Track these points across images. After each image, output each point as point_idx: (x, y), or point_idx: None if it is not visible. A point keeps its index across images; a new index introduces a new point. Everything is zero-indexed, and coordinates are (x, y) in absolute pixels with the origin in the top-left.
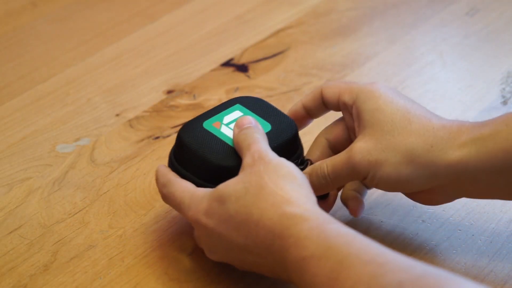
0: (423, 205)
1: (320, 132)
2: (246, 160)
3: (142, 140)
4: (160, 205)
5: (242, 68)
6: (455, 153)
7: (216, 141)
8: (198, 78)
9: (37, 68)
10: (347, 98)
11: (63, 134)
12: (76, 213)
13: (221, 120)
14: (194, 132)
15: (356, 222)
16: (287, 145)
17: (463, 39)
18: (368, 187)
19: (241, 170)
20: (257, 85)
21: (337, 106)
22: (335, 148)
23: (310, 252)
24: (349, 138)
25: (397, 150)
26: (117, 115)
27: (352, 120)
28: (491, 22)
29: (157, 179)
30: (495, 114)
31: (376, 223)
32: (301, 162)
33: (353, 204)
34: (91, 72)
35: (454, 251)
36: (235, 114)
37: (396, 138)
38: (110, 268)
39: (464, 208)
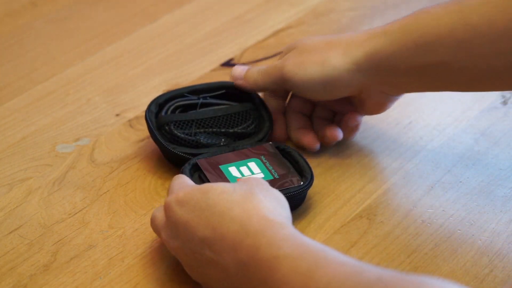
0: (423, 205)
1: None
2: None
3: (142, 140)
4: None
5: None
6: (370, 43)
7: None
8: (198, 78)
9: (37, 68)
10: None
11: (63, 134)
12: (76, 213)
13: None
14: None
15: (357, 222)
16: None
17: None
18: (296, 92)
19: None
20: None
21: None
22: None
23: (285, 252)
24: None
25: (316, 55)
26: (117, 115)
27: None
28: None
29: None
30: (495, 114)
31: (376, 223)
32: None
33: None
34: (91, 72)
35: (454, 251)
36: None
37: (316, 50)
38: (110, 268)
39: (464, 208)
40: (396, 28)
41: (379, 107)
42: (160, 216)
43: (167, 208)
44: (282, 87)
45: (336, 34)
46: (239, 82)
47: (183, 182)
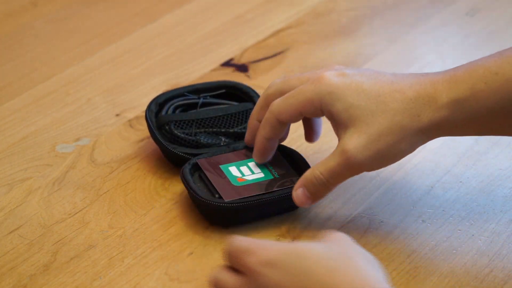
0: (423, 205)
1: (273, 114)
2: (328, 233)
3: (142, 140)
4: (160, 205)
5: (242, 68)
6: (441, 113)
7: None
8: (198, 78)
9: (37, 68)
10: (311, 110)
11: (63, 134)
12: (76, 213)
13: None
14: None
15: (357, 222)
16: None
17: (463, 39)
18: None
19: (320, 238)
20: (257, 85)
21: (299, 119)
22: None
23: None
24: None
25: (389, 133)
26: (117, 115)
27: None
28: (491, 22)
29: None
30: None
31: (376, 223)
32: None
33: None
34: (91, 72)
35: (454, 251)
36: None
37: (382, 123)
38: (110, 268)
39: (464, 208)
40: (468, 95)
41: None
42: (232, 279)
43: (252, 272)
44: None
45: (376, 78)
46: (309, 204)
47: (257, 241)
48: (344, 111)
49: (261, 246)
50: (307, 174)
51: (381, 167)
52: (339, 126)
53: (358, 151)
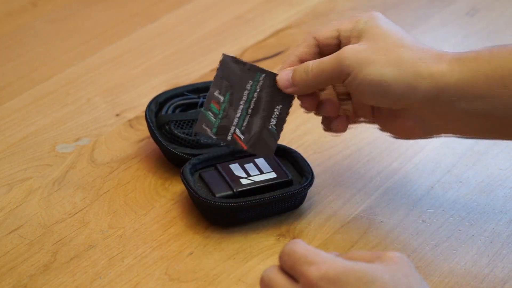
0: (423, 205)
1: (311, 33)
2: (387, 254)
3: (142, 140)
4: (160, 205)
5: None
6: (439, 66)
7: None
8: (198, 78)
9: (37, 68)
10: (349, 28)
11: (63, 134)
12: (76, 213)
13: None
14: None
15: (357, 222)
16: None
17: (463, 39)
18: (348, 90)
19: (377, 259)
20: None
21: (336, 43)
22: (323, 52)
23: None
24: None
25: (386, 54)
26: (117, 115)
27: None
28: (491, 22)
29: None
30: None
31: (376, 223)
32: None
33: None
34: (91, 72)
35: (454, 251)
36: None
37: (387, 46)
38: (110, 268)
39: (464, 208)
40: (470, 57)
41: (408, 132)
42: (286, 283)
43: (309, 283)
44: (338, 82)
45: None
46: (290, 91)
47: (316, 251)
48: (368, 28)
49: (321, 258)
50: (302, 64)
51: (356, 81)
52: (359, 38)
53: (350, 50)
